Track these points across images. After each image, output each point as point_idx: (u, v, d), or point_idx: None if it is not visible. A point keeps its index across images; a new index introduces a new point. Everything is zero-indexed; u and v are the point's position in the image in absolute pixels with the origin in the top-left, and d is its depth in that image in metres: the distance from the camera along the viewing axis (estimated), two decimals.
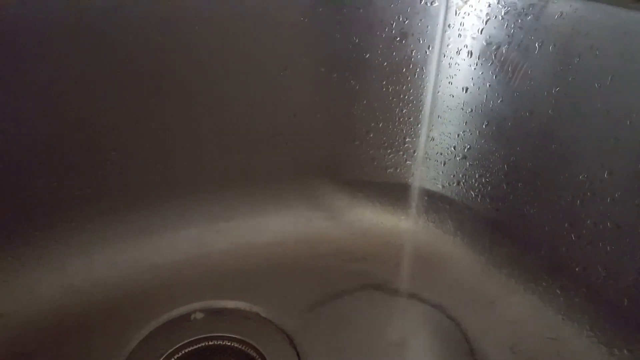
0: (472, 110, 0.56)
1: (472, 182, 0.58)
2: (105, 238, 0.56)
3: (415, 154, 0.61)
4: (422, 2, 0.55)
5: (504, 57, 0.52)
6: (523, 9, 0.50)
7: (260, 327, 0.51)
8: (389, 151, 0.62)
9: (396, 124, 0.60)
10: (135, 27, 0.51)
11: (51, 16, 0.48)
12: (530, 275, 0.53)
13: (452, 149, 0.59)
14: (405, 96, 0.59)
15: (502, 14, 0.52)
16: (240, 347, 0.49)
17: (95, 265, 0.55)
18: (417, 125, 0.60)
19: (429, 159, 0.61)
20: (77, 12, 0.49)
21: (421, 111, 0.59)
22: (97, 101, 0.52)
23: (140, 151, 0.55)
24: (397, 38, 0.57)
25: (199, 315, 0.52)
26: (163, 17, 0.52)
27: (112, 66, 0.52)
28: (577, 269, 0.49)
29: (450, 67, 0.56)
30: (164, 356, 0.48)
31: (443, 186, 0.61)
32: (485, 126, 0.55)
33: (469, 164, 0.58)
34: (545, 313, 0.52)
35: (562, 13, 0.47)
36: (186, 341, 0.49)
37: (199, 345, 0.49)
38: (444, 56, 0.56)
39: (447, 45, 0.56)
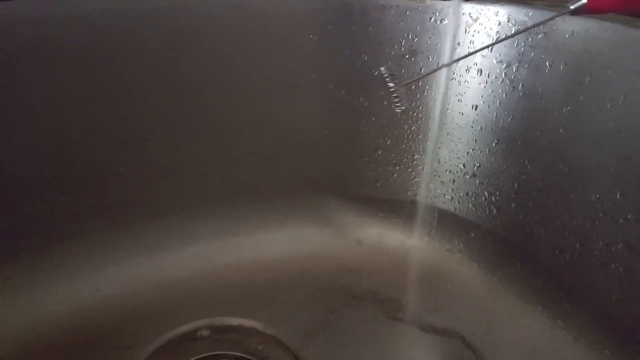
0: (481, 128, 0.56)
1: (481, 201, 0.58)
2: (111, 254, 0.56)
3: (424, 171, 0.61)
4: (432, 20, 0.55)
5: (514, 76, 0.52)
6: (533, 27, 0.50)
7: (266, 345, 0.51)
8: (397, 168, 0.62)
9: (404, 141, 0.60)
10: (144, 46, 0.51)
11: (63, 38, 0.48)
12: (540, 296, 0.53)
13: (462, 166, 0.59)
14: (413, 113, 0.59)
15: (512, 32, 0.51)
16: None
17: (101, 281, 0.55)
18: (426, 142, 0.60)
19: (438, 177, 0.60)
20: (89, 33, 0.49)
21: (430, 128, 0.59)
22: (105, 118, 0.52)
23: (147, 168, 0.55)
24: (406, 55, 0.57)
25: (205, 333, 0.52)
26: (172, 35, 0.52)
27: (121, 84, 0.52)
28: (588, 291, 0.48)
29: (459, 84, 0.56)
30: None
31: (452, 204, 0.60)
32: (495, 144, 0.55)
33: (479, 182, 0.57)
34: (555, 335, 0.51)
35: (573, 32, 0.47)
36: (192, 359, 0.49)
37: None
38: (454, 74, 0.56)
39: (457, 63, 0.56)
